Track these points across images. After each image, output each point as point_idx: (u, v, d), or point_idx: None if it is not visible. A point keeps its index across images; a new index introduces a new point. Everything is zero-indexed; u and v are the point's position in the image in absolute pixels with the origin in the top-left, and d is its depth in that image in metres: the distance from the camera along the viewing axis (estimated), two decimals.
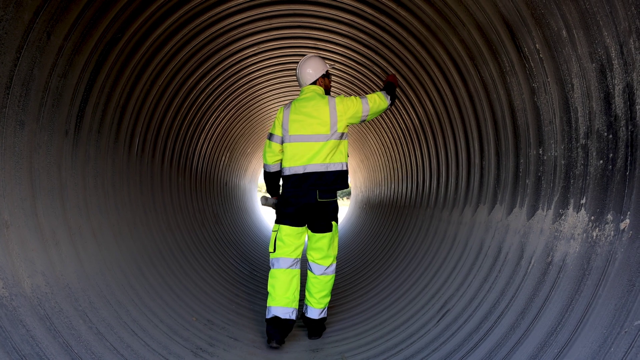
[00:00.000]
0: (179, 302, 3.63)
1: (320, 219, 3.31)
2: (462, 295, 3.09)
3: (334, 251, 3.41)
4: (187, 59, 4.44)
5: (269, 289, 3.28)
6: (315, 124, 3.26)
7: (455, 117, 4.11)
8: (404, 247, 5.20)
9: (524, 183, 2.91)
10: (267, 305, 3.25)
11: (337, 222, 3.40)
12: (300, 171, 3.26)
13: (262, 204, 3.80)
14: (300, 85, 3.59)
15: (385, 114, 6.18)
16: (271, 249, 3.32)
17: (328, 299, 3.42)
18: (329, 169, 3.25)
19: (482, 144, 3.66)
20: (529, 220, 2.76)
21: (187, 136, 5.43)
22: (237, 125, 7.35)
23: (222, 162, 7.64)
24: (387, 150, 7.15)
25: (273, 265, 3.31)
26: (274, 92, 6.96)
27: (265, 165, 3.51)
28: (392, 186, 7.22)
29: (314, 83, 3.51)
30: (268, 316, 3.22)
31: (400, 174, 6.65)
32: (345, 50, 5.37)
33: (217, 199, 7.46)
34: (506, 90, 3.06)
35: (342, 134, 3.31)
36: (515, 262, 2.73)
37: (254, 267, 6.15)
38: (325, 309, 3.44)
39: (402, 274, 4.50)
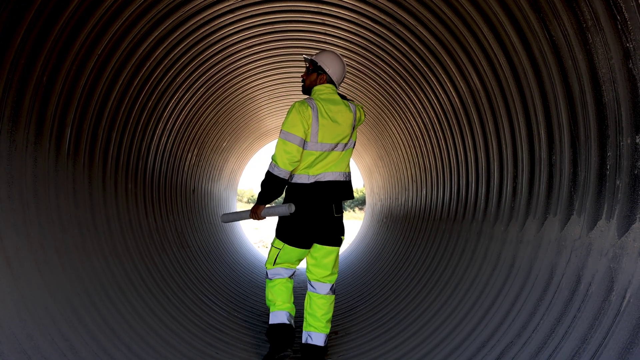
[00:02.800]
0: (130, 357, 3.59)
1: (332, 232, 4.03)
2: (527, 343, 3.05)
3: (337, 268, 4.19)
4: (139, 15, 4.41)
5: (269, 296, 4.10)
6: (340, 131, 3.94)
7: (513, 95, 4.08)
8: (440, 276, 5.19)
9: (613, 185, 2.86)
10: (271, 311, 4.07)
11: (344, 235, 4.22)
12: (324, 179, 3.93)
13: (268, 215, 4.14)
14: (331, 73, 4.10)
15: (414, 92, 6.16)
16: (269, 265, 4.10)
17: (330, 324, 4.15)
18: (347, 179, 4.06)
19: (551, 132, 3.63)
20: (620, 237, 2.70)
21: (140, 127, 5.41)
22: (208, 111, 7.34)
23: (187, 162, 7.62)
24: (415, 142, 7.13)
25: (272, 275, 4.11)
26: (260, 63, 6.96)
27: (280, 171, 3.86)
28: (423, 192, 7.20)
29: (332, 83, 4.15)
30: (274, 321, 4.00)
31: (434, 175, 6.64)
32: (355, 16, 5.39)
33: (182, 213, 7.43)
34: (587, 54, 3.01)
35: (354, 142, 4.15)
36: (602, 296, 2.68)
37: (233, 305, 6.12)
38: (327, 336, 4.09)
39: (439, 312, 4.48)
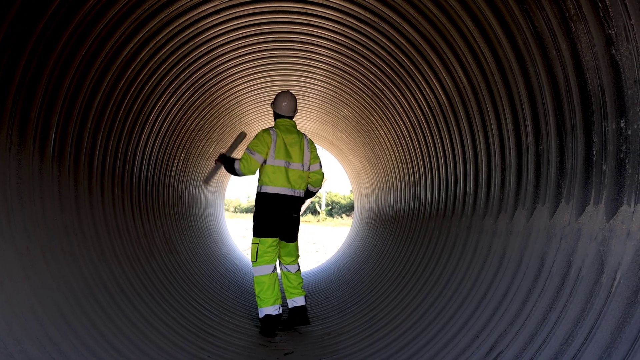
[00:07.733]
0: None
1: (291, 230, 5.67)
2: (520, 331, 3.07)
3: (298, 253, 5.89)
4: (124, 14, 4.39)
5: (257, 292, 5.43)
6: (292, 152, 5.51)
7: (499, 88, 4.11)
8: (432, 273, 5.19)
9: (599, 170, 2.88)
10: (259, 307, 5.42)
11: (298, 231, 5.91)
12: (282, 192, 5.45)
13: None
14: (283, 111, 5.67)
15: (400, 91, 6.18)
16: (253, 259, 5.47)
17: (303, 290, 5.77)
18: (301, 195, 5.66)
19: (537, 122, 3.66)
20: (609, 220, 2.73)
21: (126, 130, 5.38)
22: (194, 115, 7.31)
23: (174, 167, 7.57)
24: (403, 141, 7.14)
25: (258, 272, 5.45)
26: (246, 65, 6.95)
27: (240, 172, 5.55)
28: (411, 191, 7.20)
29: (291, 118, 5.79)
30: (261, 316, 5.37)
31: (422, 173, 6.65)
32: (340, 16, 5.41)
33: (170, 219, 7.38)
34: (571, 42, 3.04)
35: (310, 165, 5.72)
36: (593, 279, 2.70)
37: (225, 310, 6.08)
38: (305, 297, 5.74)
39: (432, 308, 4.48)
